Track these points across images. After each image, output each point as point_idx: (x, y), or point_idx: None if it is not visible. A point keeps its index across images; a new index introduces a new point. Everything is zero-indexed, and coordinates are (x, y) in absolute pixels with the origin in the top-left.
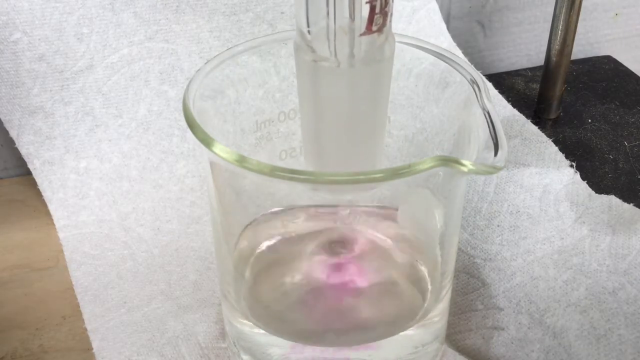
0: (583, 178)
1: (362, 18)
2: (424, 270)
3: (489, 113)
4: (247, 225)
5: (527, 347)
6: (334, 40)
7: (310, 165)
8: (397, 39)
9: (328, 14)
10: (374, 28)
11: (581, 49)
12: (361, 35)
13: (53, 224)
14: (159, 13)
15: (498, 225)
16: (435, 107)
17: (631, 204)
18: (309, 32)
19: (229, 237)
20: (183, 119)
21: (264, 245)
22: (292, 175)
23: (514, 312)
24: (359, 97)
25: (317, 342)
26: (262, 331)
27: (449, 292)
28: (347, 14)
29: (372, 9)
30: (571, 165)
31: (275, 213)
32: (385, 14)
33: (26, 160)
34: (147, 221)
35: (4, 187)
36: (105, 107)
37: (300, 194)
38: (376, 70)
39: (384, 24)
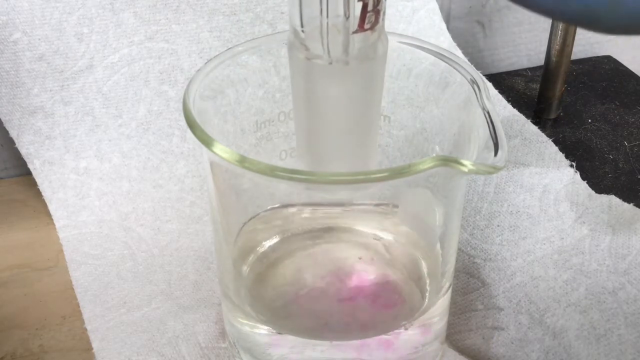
0: (583, 178)
1: (354, 16)
2: (423, 269)
3: (489, 113)
4: (245, 223)
5: (527, 347)
6: (327, 38)
7: (303, 164)
8: (397, 39)
9: (321, 12)
10: (367, 26)
11: (581, 49)
12: (354, 33)
13: (53, 224)
14: (159, 13)
15: (498, 225)
16: (435, 107)
17: (631, 204)
18: (302, 30)
19: (229, 237)
20: (183, 119)
21: (264, 243)
22: (292, 175)
23: (514, 312)
24: (352, 95)
25: (316, 338)
26: (262, 331)
27: (449, 292)
28: (340, 12)
29: (365, 7)
30: (571, 165)
31: (274, 210)
32: (377, 12)
33: (26, 160)
34: (147, 221)
35: (4, 187)
36: (105, 107)
37: (300, 193)
38: (369, 68)
39: (376, 22)
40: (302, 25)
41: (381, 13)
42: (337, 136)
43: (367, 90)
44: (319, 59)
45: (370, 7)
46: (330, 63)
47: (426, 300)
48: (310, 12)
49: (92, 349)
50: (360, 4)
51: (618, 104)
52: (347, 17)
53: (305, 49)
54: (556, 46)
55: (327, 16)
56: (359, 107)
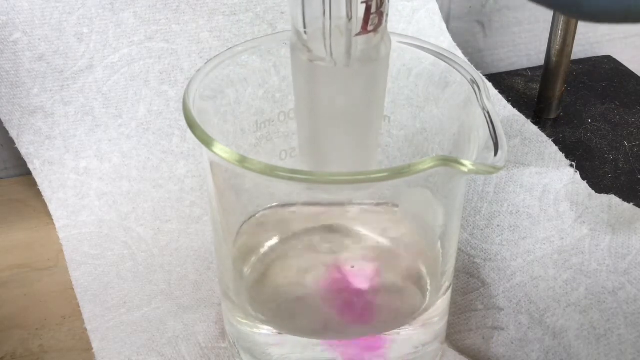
0: (583, 178)
1: (358, 18)
2: (423, 269)
3: (489, 113)
4: (245, 223)
5: (527, 347)
6: (330, 40)
7: (306, 164)
8: (397, 39)
9: (324, 13)
10: (370, 28)
11: (581, 49)
12: (357, 35)
13: (53, 224)
14: (159, 13)
15: (498, 225)
16: (435, 107)
17: (631, 204)
18: (305, 32)
19: (229, 237)
20: (183, 119)
21: (263, 243)
22: (292, 175)
23: (514, 312)
24: (355, 97)
25: (316, 338)
26: (262, 331)
27: (449, 291)
28: (343, 14)
29: (368, 9)
30: (571, 165)
31: (274, 210)
32: (380, 14)
33: (26, 160)
34: (147, 221)
35: (4, 187)
36: (105, 107)
37: (300, 193)
38: (372, 69)
39: (379, 24)
40: (304, 27)
41: (384, 15)
42: (339, 137)
43: (370, 91)
44: (321, 60)
45: (373, 9)
46: (334, 65)
47: (426, 300)
48: (313, 14)
49: (92, 349)
50: (364, 5)
51: (618, 104)
52: (349, 18)
53: (308, 51)
54: (556, 46)
55: (330, 18)
56: (361, 109)
